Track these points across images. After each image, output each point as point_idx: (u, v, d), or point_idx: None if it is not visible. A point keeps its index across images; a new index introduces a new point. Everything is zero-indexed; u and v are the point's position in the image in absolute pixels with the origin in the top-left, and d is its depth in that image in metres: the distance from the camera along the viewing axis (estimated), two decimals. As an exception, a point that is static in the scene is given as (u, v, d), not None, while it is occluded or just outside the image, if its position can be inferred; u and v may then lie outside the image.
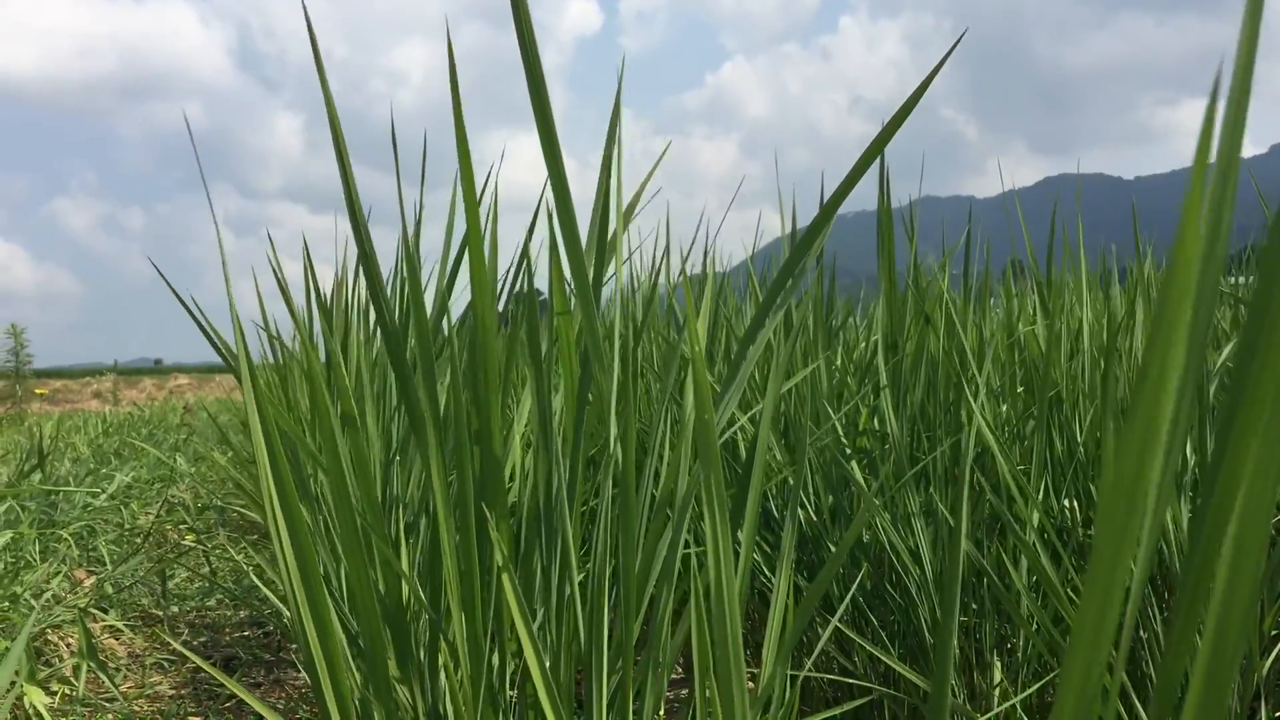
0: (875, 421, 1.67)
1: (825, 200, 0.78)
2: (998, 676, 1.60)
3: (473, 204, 0.80)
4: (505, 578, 0.71)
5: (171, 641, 1.34)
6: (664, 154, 1.08)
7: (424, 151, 1.42)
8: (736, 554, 0.89)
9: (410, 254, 0.95)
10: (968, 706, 1.56)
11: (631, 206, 1.01)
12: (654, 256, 2.06)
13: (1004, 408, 1.74)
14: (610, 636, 0.81)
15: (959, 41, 0.80)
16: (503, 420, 0.91)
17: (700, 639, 0.65)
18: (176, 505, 4.35)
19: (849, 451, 1.65)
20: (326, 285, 2.19)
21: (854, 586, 1.63)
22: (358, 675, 0.86)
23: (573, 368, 0.84)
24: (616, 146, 0.94)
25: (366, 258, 0.78)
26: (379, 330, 1.29)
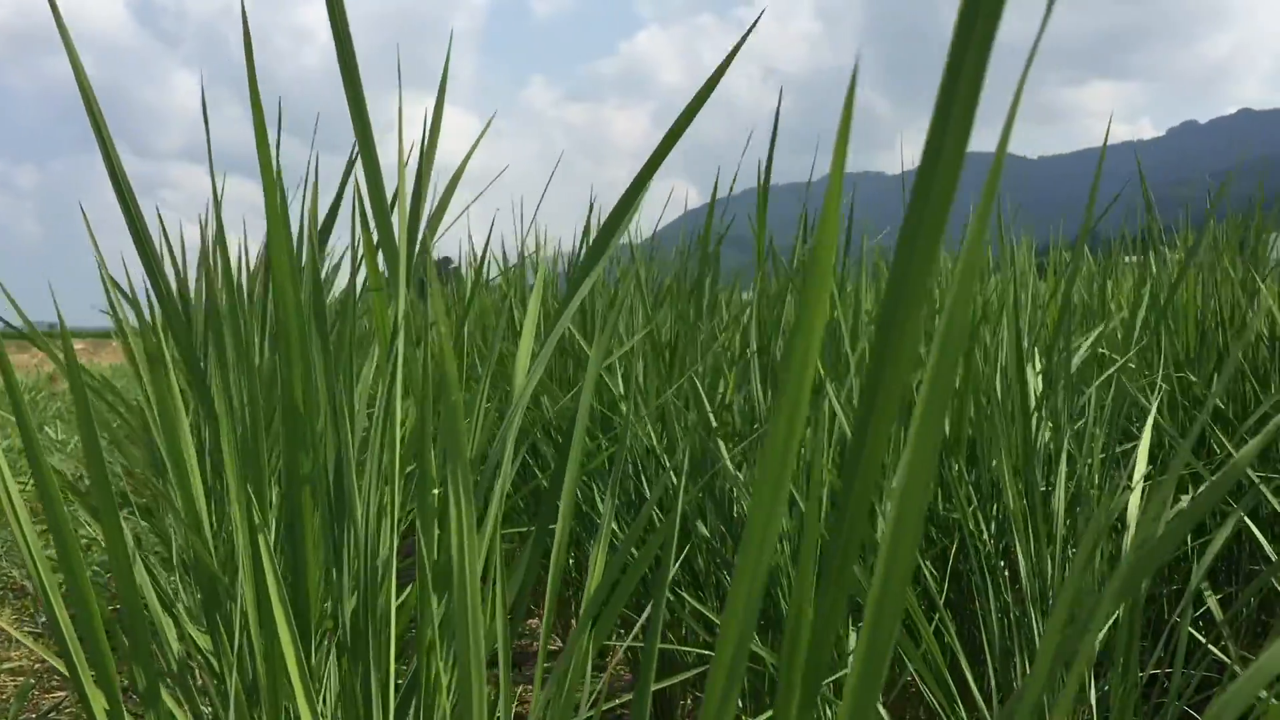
0: (742, 399, 1.68)
1: (624, 195, 0.77)
2: (852, 644, 1.63)
3: (270, 173, 0.76)
4: (262, 539, 0.68)
5: (6, 628, 1.28)
6: (485, 130, 1.05)
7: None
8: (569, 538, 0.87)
9: (219, 219, 0.90)
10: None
11: (456, 179, 0.98)
12: (525, 232, 2.02)
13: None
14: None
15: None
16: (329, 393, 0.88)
17: (424, 617, 0.64)
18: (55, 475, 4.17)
19: (714, 426, 1.65)
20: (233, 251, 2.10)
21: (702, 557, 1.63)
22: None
23: (384, 344, 0.82)
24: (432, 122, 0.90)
25: (134, 222, 0.74)
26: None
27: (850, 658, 1.61)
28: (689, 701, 1.89)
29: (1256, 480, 1.55)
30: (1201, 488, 1.76)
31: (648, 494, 1.90)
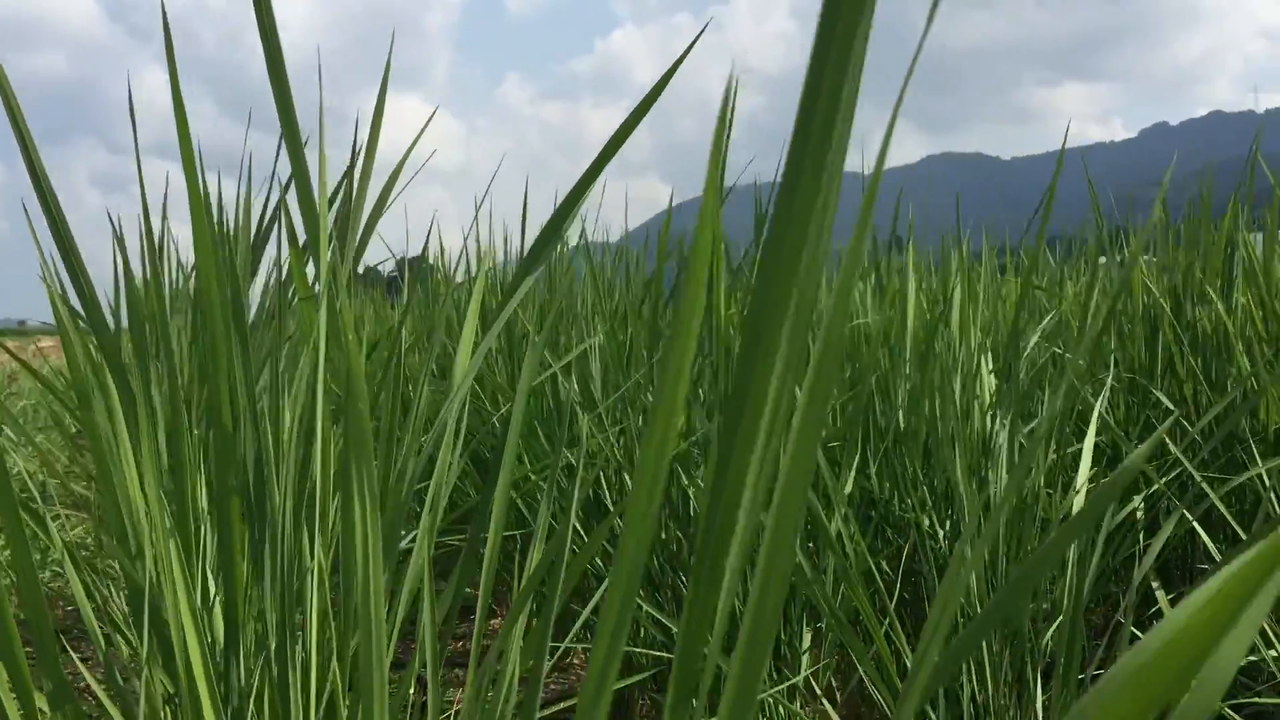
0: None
1: (563, 196, 0.76)
2: (806, 642, 1.63)
3: (191, 162, 0.75)
4: (173, 546, 0.67)
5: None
6: (428, 122, 1.04)
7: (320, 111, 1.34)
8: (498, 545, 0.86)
9: (148, 221, 0.89)
10: (774, 675, 1.58)
11: (394, 176, 0.97)
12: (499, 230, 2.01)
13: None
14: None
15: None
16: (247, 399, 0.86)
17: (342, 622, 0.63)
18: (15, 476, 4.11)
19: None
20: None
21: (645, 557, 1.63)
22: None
23: (310, 353, 0.81)
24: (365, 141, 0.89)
25: (53, 218, 0.72)
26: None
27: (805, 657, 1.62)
28: (646, 701, 1.89)
29: (1201, 480, 1.57)
30: (1152, 488, 1.77)
31: (605, 497, 1.90)
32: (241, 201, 0.96)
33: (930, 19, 0.32)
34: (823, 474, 1.54)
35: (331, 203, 1.08)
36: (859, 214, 0.35)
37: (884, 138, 0.37)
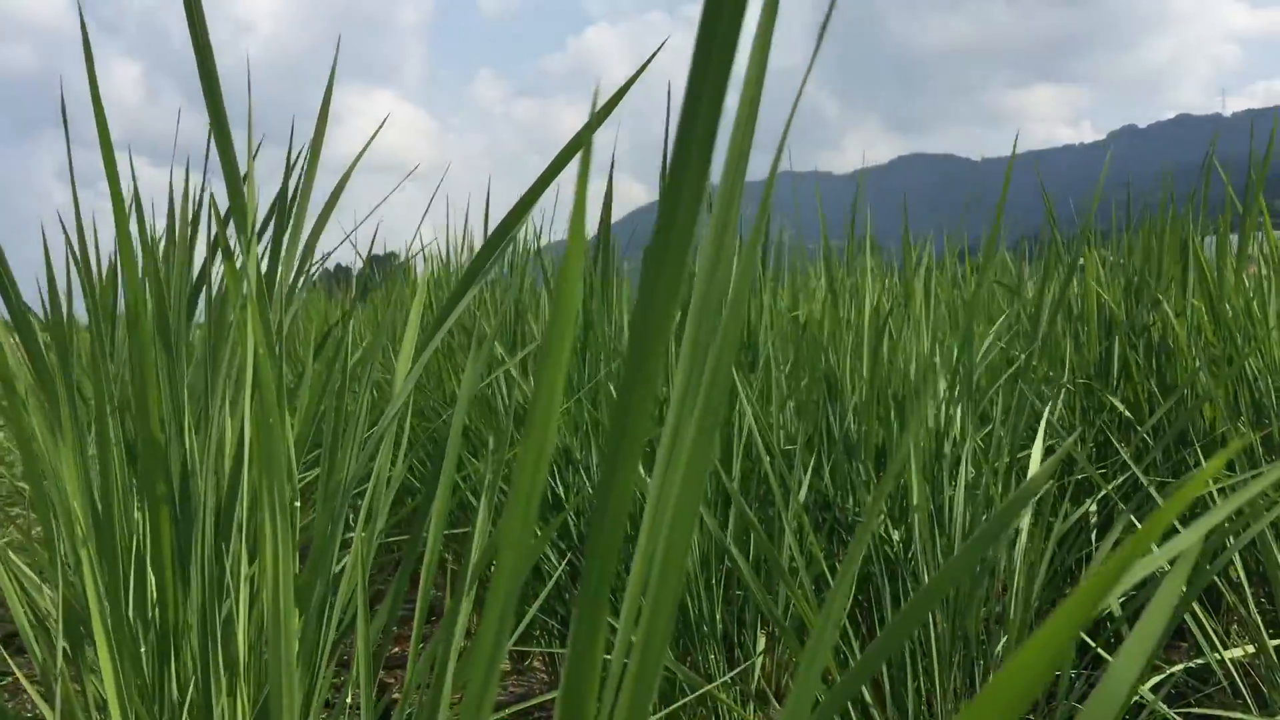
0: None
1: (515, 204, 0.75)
2: (761, 644, 1.63)
3: (112, 167, 0.73)
4: (85, 553, 0.66)
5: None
6: (384, 122, 1.03)
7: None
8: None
9: (79, 218, 0.87)
10: (727, 677, 1.58)
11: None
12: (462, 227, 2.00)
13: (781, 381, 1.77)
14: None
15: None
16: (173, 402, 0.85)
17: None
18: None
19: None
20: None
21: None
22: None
23: (244, 361, 0.79)
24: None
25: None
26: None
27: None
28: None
29: (1149, 484, 1.58)
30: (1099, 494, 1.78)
31: (562, 495, 1.89)
32: (179, 200, 0.95)
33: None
34: (774, 481, 1.54)
35: (293, 203, 1.07)
36: (754, 220, 0.34)
37: (779, 145, 0.37)
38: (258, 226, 0.81)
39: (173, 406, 0.75)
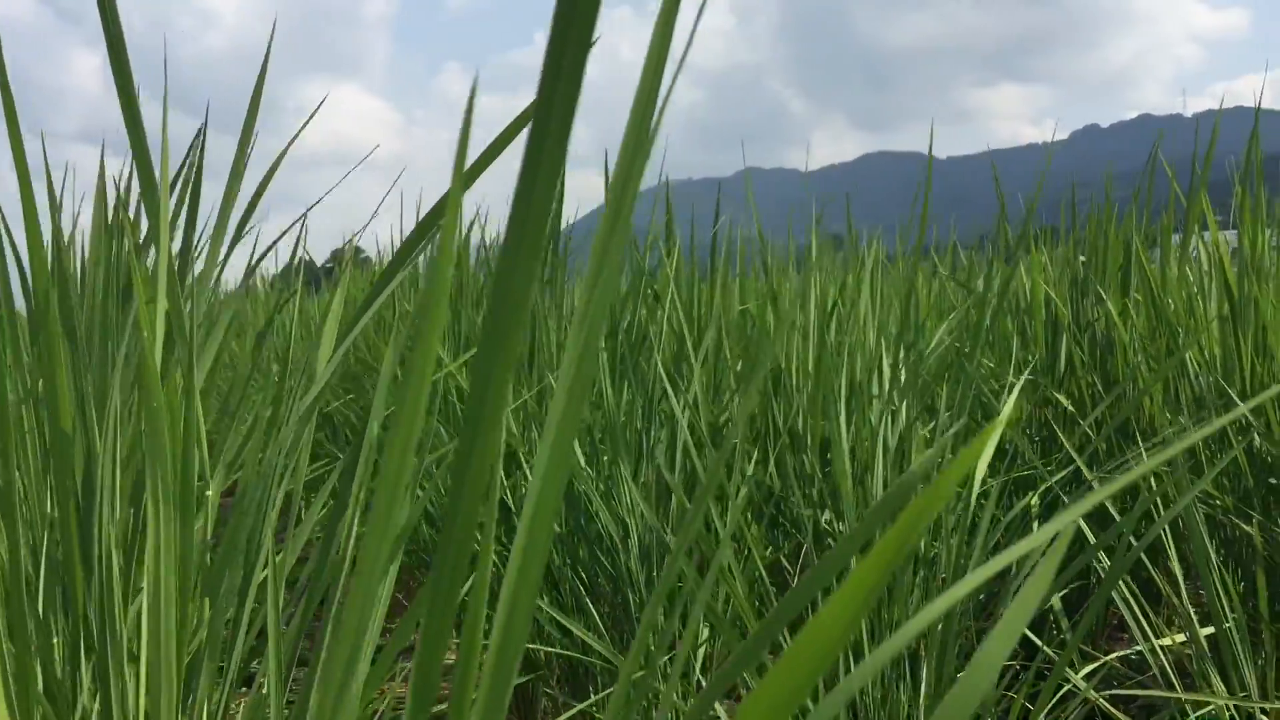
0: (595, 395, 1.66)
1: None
2: (704, 635, 1.63)
3: (22, 163, 0.71)
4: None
5: None
6: (321, 103, 1.01)
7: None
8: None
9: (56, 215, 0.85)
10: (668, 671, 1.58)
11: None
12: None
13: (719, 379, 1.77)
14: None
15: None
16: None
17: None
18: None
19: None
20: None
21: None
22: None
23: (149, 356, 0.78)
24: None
25: None
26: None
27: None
28: (547, 703, 1.88)
29: (1092, 478, 1.60)
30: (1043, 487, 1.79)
31: (506, 496, 1.88)
32: (95, 182, 0.93)
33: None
34: (702, 474, 1.54)
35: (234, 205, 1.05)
36: (600, 222, 0.34)
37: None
38: (171, 205, 0.79)
39: (77, 398, 0.73)
